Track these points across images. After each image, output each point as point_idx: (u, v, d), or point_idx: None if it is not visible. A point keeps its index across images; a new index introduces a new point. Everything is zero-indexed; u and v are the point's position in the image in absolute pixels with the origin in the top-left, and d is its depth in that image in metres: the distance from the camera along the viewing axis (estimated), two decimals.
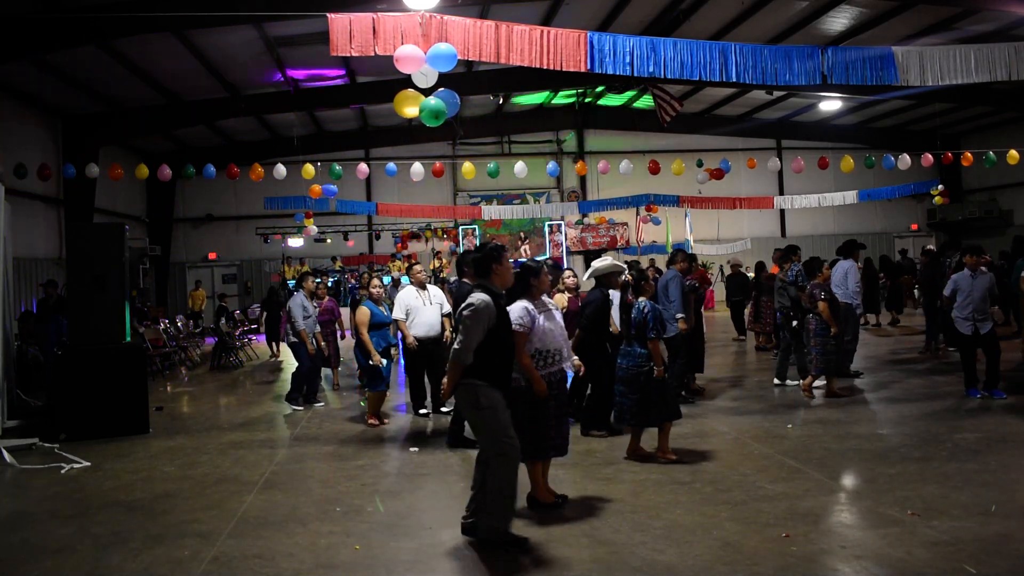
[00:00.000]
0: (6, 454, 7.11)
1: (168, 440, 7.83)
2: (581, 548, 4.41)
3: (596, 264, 7.22)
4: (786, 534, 4.46)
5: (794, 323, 9.09)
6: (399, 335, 8.38)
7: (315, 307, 9.79)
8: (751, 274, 14.45)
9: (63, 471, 6.66)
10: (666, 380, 6.14)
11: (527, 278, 5.16)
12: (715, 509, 4.98)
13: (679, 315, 8.22)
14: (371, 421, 8.12)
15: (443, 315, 8.27)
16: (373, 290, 8.45)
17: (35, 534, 5.07)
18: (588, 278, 7.26)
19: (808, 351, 8.58)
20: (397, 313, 8.08)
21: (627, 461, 6.26)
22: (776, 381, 9.32)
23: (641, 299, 6.22)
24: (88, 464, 6.84)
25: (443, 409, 8.37)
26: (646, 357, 6.05)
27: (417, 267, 8.64)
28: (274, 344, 15.20)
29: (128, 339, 8.47)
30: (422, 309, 8.10)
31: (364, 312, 8.12)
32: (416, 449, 7.07)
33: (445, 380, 4.58)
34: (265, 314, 15.97)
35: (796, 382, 9.16)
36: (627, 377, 6.14)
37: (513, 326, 4.78)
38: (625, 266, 7.38)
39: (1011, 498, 4.96)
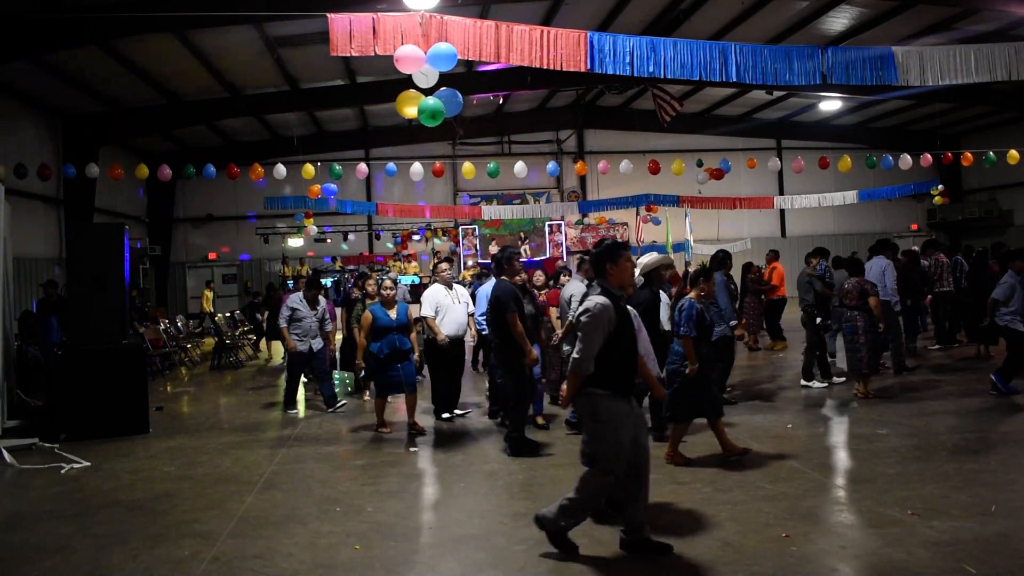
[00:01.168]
0: (6, 454, 7.11)
1: (168, 440, 7.83)
2: (581, 548, 4.40)
3: (643, 260, 6.95)
4: (786, 534, 4.46)
5: (818, 320, 9.06)
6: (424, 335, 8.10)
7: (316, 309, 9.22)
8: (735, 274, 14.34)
9: (63, 471, 6.66)
10: (700, 380, 6.02)
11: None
12: (715, 509, 4.98)
13: (732, 321, 8.14)
14: (381, 429, 7.76)
15: (468, 315, 8.19)
16: (385, 292, 7.83)
17: (35, 534, 5.07)
18: (638, 275, 6.95)
19: (859, 349, 8.35)
20: (426, 311, 7.91)
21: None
22: (803, 382, 9.15)
23: (686, 296, 6.19)
24: (88, 464, 6.84)
25: (457, 412, 8.27)
26: (681, 355, 6.04)
27: (443, 265, 8.46)
28: (270, 344, 14.92)
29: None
30: (452, 307, 7.98)
31: (366, 316, 7.75)
32: (416, 449, 7.07)
33: (564, 386, 4.34)
34: (267, 313, 15.60)
35: (823, 383, 9.11)
36: (667, 374, 6.13)
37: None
38: (672, 258, 7.27)
39: (1011, 498, 4.96)
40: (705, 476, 5.76)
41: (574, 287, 7.45)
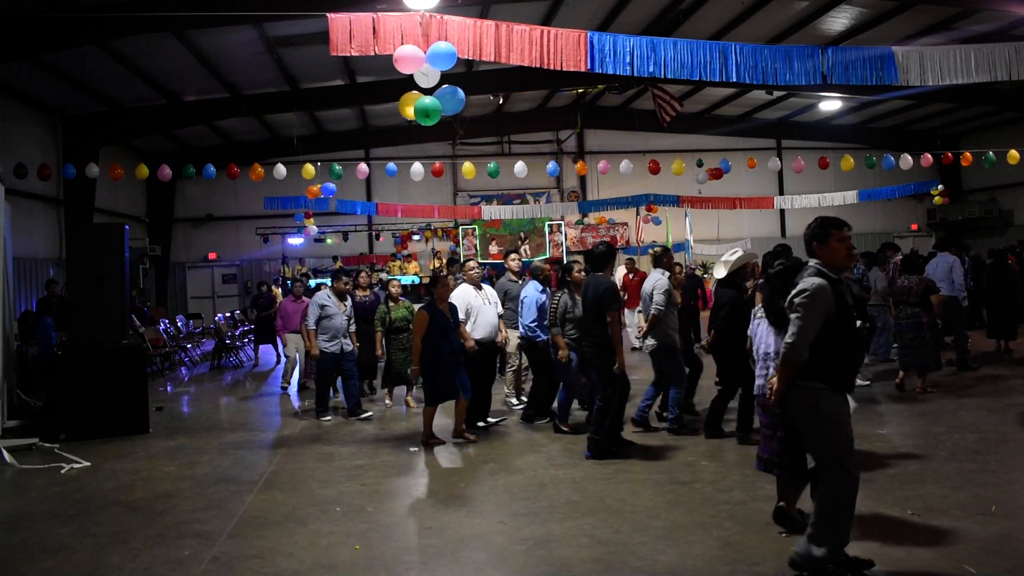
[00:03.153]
0: (6, 454, 7.12)
1: (168, 440, 7.83)
2: (581, 548, 4.41)
3: (727, 257, 6.79)
4: (786, 534, 4.46)
5: (858, 323, 9.01)
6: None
7: (346, 306, 8.65)
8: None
9: (63, 471, 6.66)
10: None
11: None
12: (715, 509, 4.98)
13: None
14: (430, 440, 7.11)
15: (498, 315, 7.92)
16: (440, 288, 7.28)
17: (35, 534, 5.07)
18: (725, 276, 6.84)
19: (924, 345, 8.40)
20: (458, 315, 7.45)
21: (621, 462, 6.26)
22: None
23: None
24: (88, 464, 6.84)
25: (491, 420, 7.74)
26: None
27: (472, 264, 8.08)
28: (256, 350, 14.34)
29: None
30: (483, 309, 7.69)
31: (421, 317, 7.12)
32: (416, 449, 7.06)
33: (774, 381, 3.99)
34: (255, 314, 14.88)
35: (866, 381, 9.06)
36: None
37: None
38: (757, 254, 7.09)
39: (1011, 498, 4.96)
40: (705, 476, 5.76)
41: (655, 279, 7.34)
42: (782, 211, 23.79)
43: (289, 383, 10.81)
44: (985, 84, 9.32)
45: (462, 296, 7.71)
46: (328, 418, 8.42)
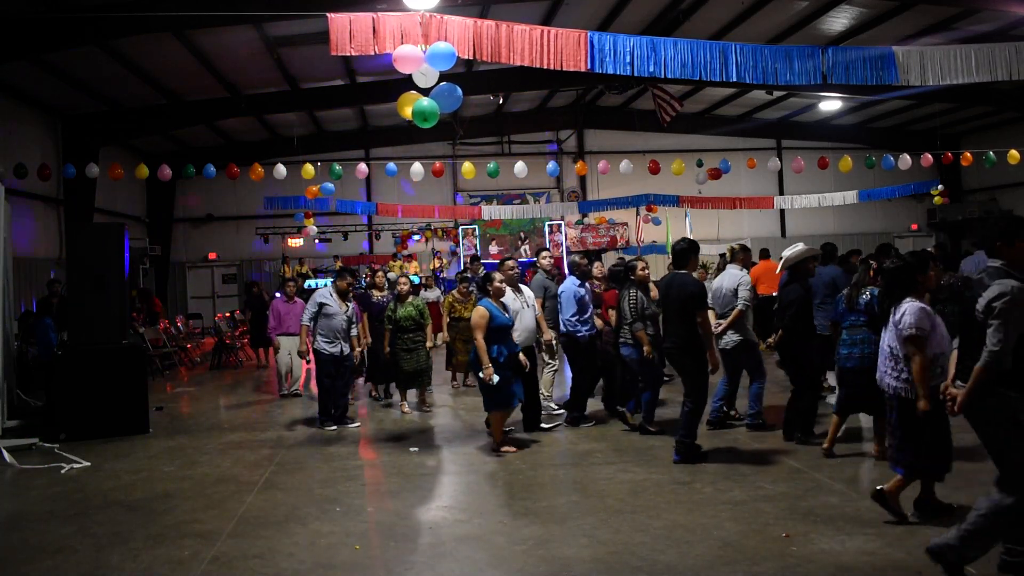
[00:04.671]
0: (6, 454, 7.11)
1: (168, 440, 7.83)
2: (581, 548, 4.41)
3: (787, 253, 6.71)
4: (786, 534, 4.46)
5: None
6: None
7: (347, 307, 8.23)
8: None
9: (63, 471, 6.66)
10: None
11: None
12: (715, 509, 4.98)
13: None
14: (504, 449, 6.67)
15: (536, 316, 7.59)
16: (496, 284, 6.83)
17: (35, 534, 5.07)
18: (781, 270, 6.82)
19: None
20: None
21: (621, 462, 6.26)
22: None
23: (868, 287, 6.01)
24: (88, 464, 6.84)
25: (544, 426, 7.47)
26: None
27: (510, 263, 7.65)
28: (260, 350, 13.91)
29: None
30: (522, 312, 7.24)
31: (480, 313, 6.68)
32: (416, 449, 7.06)
33: (951, 388, 3.81)
34: (249, 315, 14.58)
35: None
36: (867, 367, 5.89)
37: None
38: (819, 249, 7.00)
39: None
40: (705, 476, 5.77)
41: (739, 276, 7.26)
42: (782, 211, 23.79)
43: (285, 388, 10.30)
44: (985, 84, 9.32)
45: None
46: (333, 427, 8.03)
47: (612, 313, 7.85)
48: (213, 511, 5.38)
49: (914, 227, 25.36)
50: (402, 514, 5.26)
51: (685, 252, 6.50)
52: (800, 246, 6.81)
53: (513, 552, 4.40)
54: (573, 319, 7.59)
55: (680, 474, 5.83)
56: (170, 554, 4.58)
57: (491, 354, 6.54)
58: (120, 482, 6.28)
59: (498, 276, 6.94)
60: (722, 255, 7.24)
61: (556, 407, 8.26)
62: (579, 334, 7.59)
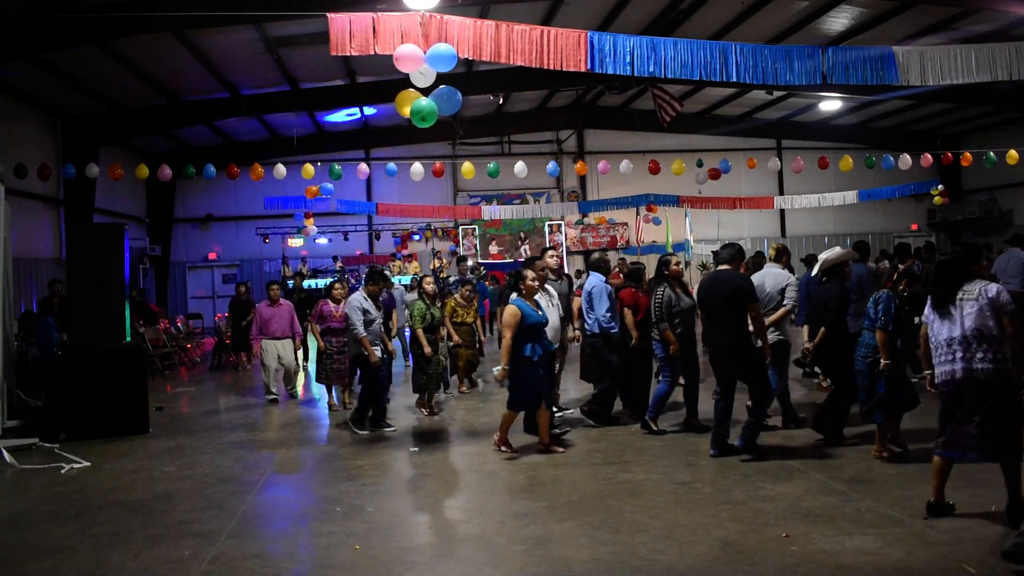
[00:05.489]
0: (6, 454, 7.12)
1: (168, 440, 7.83)
2: (581, 548, 4.41)
3: (825, 256, 6.70)
4: (786, 534, 4.46)
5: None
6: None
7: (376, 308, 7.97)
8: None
9: (63, 471, 6.66)
10: (892, 373, 5.83)
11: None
12: (715, 509, 4.98)
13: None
14: (500, 446, 6.65)
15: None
16: (528, 282, 6.67)
17: (35, 534, 5.07)
18: (817, 272, 6.78)
19: None
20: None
21: (621, 462, 6.26)
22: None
23: (883, 290, 6.00)
24: (88, 464, 6.84)
25: (555, 431, 7.18)
26: (873, 348, 5.87)
27: (551, 254, 7.47)
28: (244, 355, 13.61)
29: (128, 339, 8.47)
30: (548, 311, 7.00)
31: (512, 312, 6.49)
32: (416, 449, 7.07)
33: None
34: (229, 317, 14.19)
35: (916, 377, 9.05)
36: (862, 368, 5.99)
37: None
38: (856, 254, 7.02)
39: None
40: (705, 476, 5.77)
41: (786, 276, 7.20)
42: (782, 211, 23.80)
43: (274, 393, 9.93)
44: (985, 84, 9.32)
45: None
46: (366, 432, 7.73)
47: (628, 312, 7.76)
48: (213, 511, 5.38)
49: (914, 227, 25.37)
50: (402, 514, 5.26)
51: (741, 252, 6.55)
52: (838, 249, 6.83)
53: (513, 552, 4.40)
54: (607, 315, 7.46)
55: (680, 474, 5.84)
56: (170, 554, 4.58)
57: (524, 352, 6.39)
58: (120, 482, 6.28)
59: (530, 274, 6.75)
60: (757, 254, 7.41)
61: (557, 410, 8.14)
62: (613, 331, 7.51)
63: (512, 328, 6.40)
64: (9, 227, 8.97)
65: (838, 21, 14.79)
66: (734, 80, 7.40)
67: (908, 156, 16.75)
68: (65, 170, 14.19)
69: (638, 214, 20.73)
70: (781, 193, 22.97)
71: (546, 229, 22.72)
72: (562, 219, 22.84)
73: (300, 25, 12.61)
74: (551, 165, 16.75)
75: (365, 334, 7.64)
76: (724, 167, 17.41)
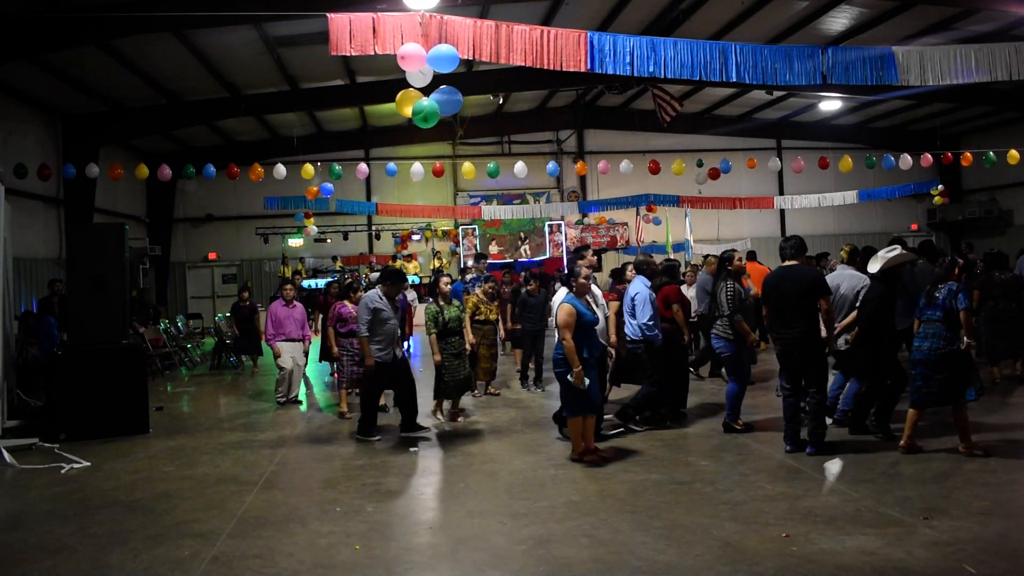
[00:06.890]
0: (6, 454, 7.11)
1: (168, 440, 7.83)
2: (581, 548, 4.41)
3: (884, 254, 6.65)
4: (786, 534, 4.46)
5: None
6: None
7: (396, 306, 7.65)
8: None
9: (63, 471, 6.66)
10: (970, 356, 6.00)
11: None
12: (715, 509, 4.98)
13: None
14: (587, 458, 6.23)
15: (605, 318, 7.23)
16: (582, 280, 6.36)
17: (35, 534, 5.07)
18: (879, 271, 6.68)
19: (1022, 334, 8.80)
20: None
21: (621, 462, 6.26)
22: None
23: (950, 282, 6.09)
24: (88, 464, 6.84)
25: (604, 433, 7.06)
26: (943, 338, 5.92)
27: (586, 253, 7.25)
28: (254, 359, 13.43)
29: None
30: (596, 311, 6.73)
31: (567, 311, 6.17)
32: (416, 449, 7.06)
33: None
34: (231, 319, 14.12)
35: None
36: (937, 359, 5.96)
37: None
38: (916, 256, 7.04)
39: (1011, 498, 4.96)
40: (705, 476, 5.77)
41: (863, 279, 7.06)
42: (782, 211, 23.80)
43: (284, 396, 9.74)
44: (985, 84, 9.32)
45: (572, 298, 6.46)
46: (378, 438, 7.45)
47: (677, 308, 7.65)
48: (213, 511, 5.38)
49: (914, 227, 25.38)
50: (402, 514, 5.26)
51: (803, 245, 6.51)
52: (898, 249, 6.79)
53: (513, 552, 4.40)
54: (650, 323, 7.19)
55: (680, 474, 5.83)
56: (170, 554, 4.58)
57: (581, 355, 6.14)
58: (120, 482, 6.28)
59: (584, 271, 6.50)
60: (820, 255, 7.63)
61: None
62: (657, 338, 7.24)
63: (571, 328, 6.11)
64: (9, 227, 8.97)
65: (838, 21, 14.79)
66: (734, 80, 7.40)
67: (908, 156, 16.75)
68: (65, 170, 14.19)
69: (638, 214, 20.74)
70: (781, 193, 22.98)
71: (546, 229, 22.71)
72: (562, 219, 22.83)
73: (300, 25, 12.62)
74: (551, 165, 16.76)
75: (367, 334, 7.35)
76: (724, 167, 17.41)
